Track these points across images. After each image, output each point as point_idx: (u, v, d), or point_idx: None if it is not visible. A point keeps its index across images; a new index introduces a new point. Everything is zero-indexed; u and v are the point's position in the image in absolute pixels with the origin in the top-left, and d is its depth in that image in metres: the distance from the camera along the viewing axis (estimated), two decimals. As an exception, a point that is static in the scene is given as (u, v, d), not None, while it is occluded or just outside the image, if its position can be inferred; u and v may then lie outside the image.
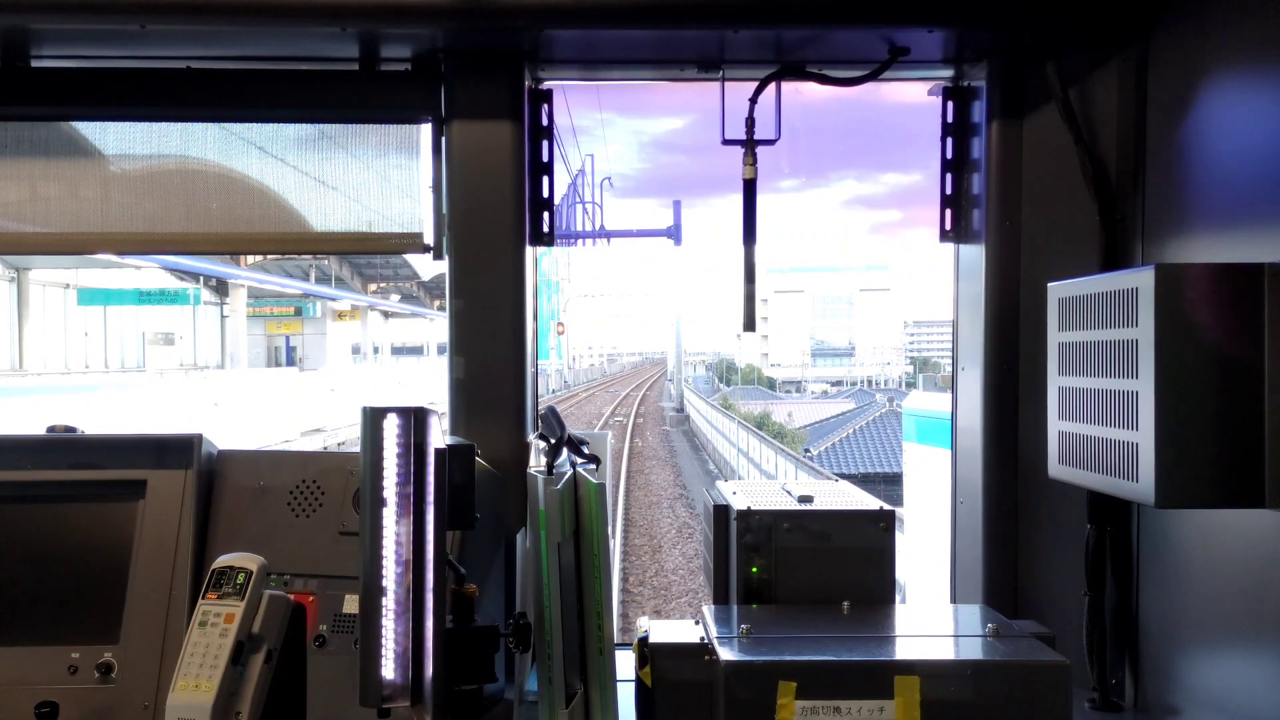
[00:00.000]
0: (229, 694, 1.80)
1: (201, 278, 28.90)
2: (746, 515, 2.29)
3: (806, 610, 2.21)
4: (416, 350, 49.66)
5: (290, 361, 37.79)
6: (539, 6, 2.37)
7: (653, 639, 2.10)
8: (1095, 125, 2.51)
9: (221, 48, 2.61)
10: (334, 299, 36.45)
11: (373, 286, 44.19)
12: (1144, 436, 1.78)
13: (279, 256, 34.03)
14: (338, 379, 29.01)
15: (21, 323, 22.21)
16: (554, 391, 52.30)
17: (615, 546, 15.10)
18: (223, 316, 33.43)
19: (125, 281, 28.95)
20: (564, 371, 63.25)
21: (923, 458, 8.98)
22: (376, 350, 42.18)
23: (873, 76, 2.67)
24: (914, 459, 9.50)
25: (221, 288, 31.96)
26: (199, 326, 34.52)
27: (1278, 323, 1.74)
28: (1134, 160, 2.41)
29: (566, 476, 2.08)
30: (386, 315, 43.01)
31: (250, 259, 31.69)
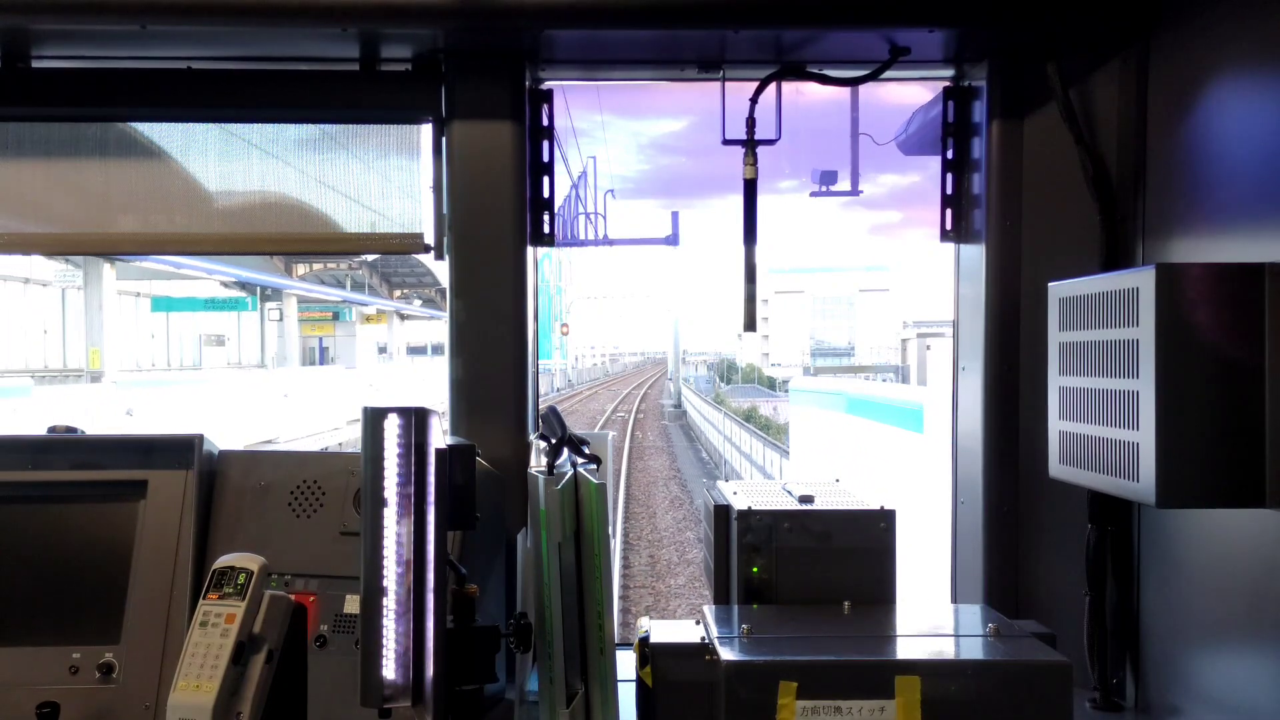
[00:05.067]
0: (230, 694, 1.80)
1: (260, 288, 32.13)
2: (747, 515, 2.29)
3: (807, 610, 2.21)
4: (428, 349, 51.20)
5: (323, 360, 41.41)
6: (539, 6, 2.37)
7: (653, 639, 2.10)
8: (1096, 125, 2.51)
9: (222, 48, 2.61)
10: (366, 305, 39.94)
11: (397, 293, 47.27)
12: (1145, 436, 1.78)
13: (323, 268, 38.91)
14: (374, 376, 32.08)
15: (102, 328, 23.89)
16: (558, 390, 53.65)
17: (618, 512, 17.97)
18: (263, 320, 36.78)
19: (183, 291, 32.58)
20: (568, 371, 64.37)
21: (799, 413, 14.93)
22: (395, 350, 45.27)
23: (873, 76, 2.67)
24: (794, 415, 15.85)
25: (267, 295, 34.88)
26: (244, 330, 38.84)
27: (1278, 323, 1.74)
28: (1134, 160, 2.41)
29: (567, 476, 2.08)
30: (403, 317, 45.46)
31: (300, 270, 36.30)
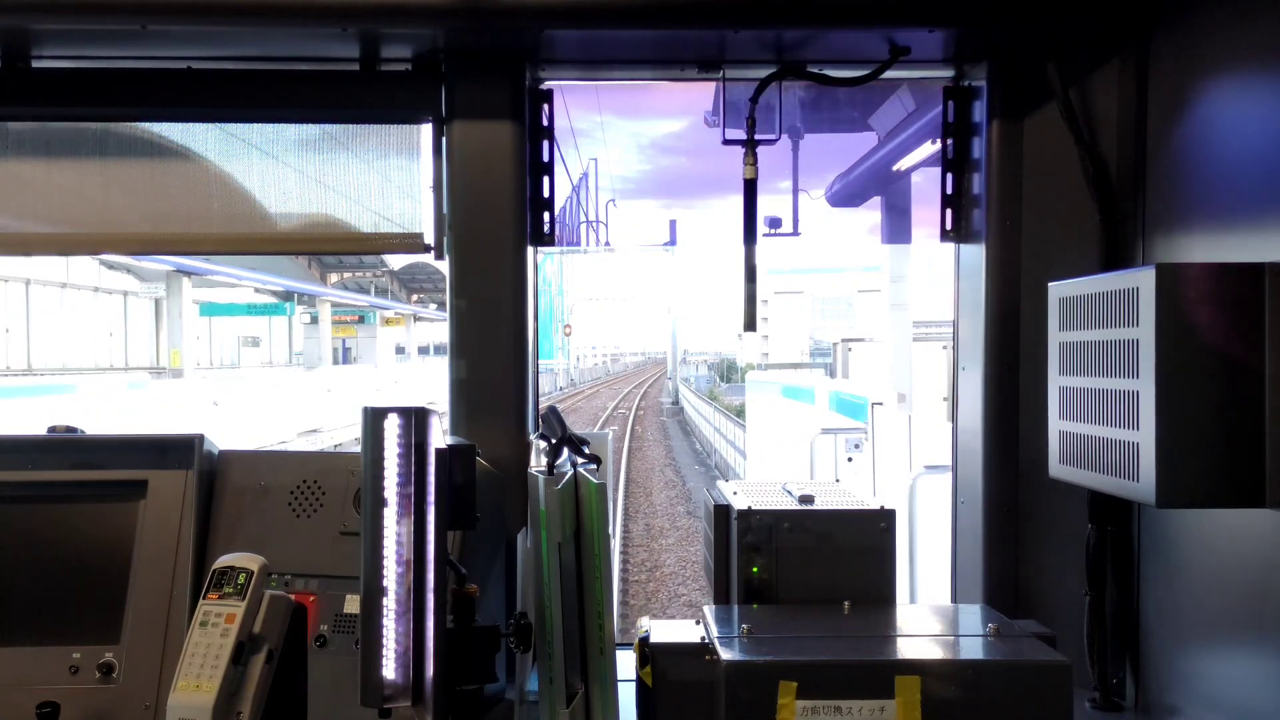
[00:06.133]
0: (230, 694, 1.80)
1: (295, 294, 34.97)
2: (747, 515, 2.29)
3: (807, 610, 2.21)
4: (431, 349, 53.33)
5: (346, 360, 44.82)
6: (539, 6, 2.37)
7: (653, 639, 2.10)
8: (1095, 125, 2.51)
9: (222, 48, 2.61)
10: (388, 309, 43.53)
11: (415, 297, 50.70)
12: (1144, 436, 1.78)
13: (350, 276, 43.53)
14: (398, 374, 34.99)
15: (181, 332, 27.32)
16: (561, 389, 54.48)
17: (620, 491, 21.86)
18: (291, 325, 40.64)
19: (222, 298, 35.36)
20: (570, 370, 65.70)
21: (753, 399, 20.39)
22: (406, 350, 48.66)
23: (873, 76, 2.67)
24: (748, 400, 21.63)
25: (301, 300, 37.85)
26: (274, 332, 42.85)
27: (1278, 323, 1.74)
28: (1134, 160, 2.41)
29: (567, 476, 2.08)
30: (416, 319, 47.98)
31: (333, 278, 40.87)
